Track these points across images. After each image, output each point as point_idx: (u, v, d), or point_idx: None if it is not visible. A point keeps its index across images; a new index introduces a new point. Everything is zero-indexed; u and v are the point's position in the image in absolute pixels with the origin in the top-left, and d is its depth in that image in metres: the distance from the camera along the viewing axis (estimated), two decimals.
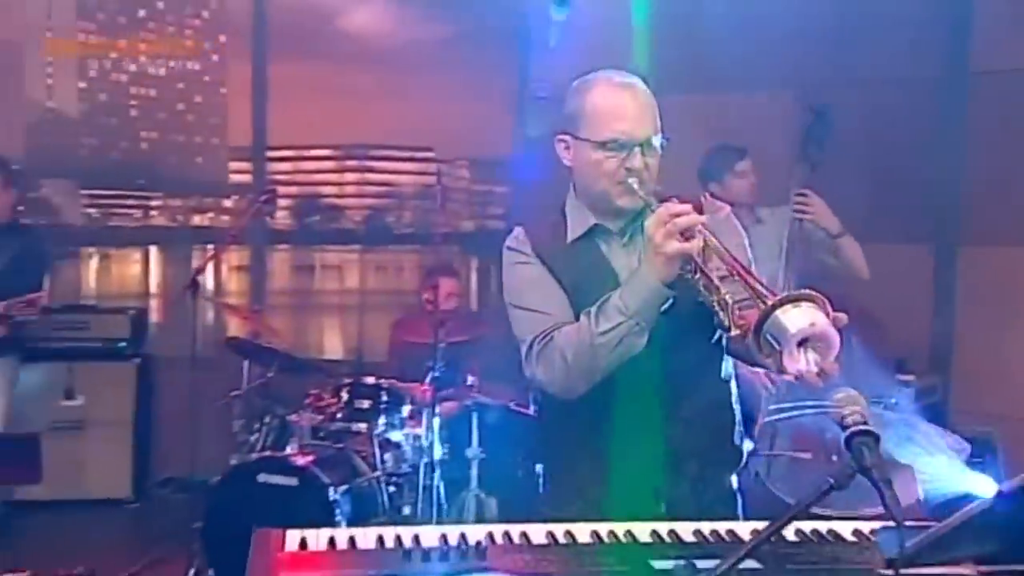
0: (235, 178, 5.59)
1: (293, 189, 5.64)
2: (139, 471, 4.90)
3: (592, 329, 1.65)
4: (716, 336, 1.76)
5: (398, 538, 1.41)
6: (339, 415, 3.82)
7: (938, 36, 4.46)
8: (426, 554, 1.37)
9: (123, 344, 4.87)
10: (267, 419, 4.04)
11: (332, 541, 1.38)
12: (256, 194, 4.86)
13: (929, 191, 4.46)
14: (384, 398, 3.80)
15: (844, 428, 1.28)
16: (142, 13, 5.21)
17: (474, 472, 3.81)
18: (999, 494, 1.25)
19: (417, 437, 3.81)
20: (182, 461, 4.58)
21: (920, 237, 4.57)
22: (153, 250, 5.67)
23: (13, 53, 5.02)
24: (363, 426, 3.80)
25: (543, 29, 5.33)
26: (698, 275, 1.58)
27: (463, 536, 1.43)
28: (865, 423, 1.27)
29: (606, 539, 1.46)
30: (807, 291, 1.47)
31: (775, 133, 4.19)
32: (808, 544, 1.45)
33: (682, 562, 1.33)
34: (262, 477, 3.65)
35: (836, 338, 1.42)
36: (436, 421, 3.69)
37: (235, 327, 4.88)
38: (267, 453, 3.79)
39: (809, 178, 3.61)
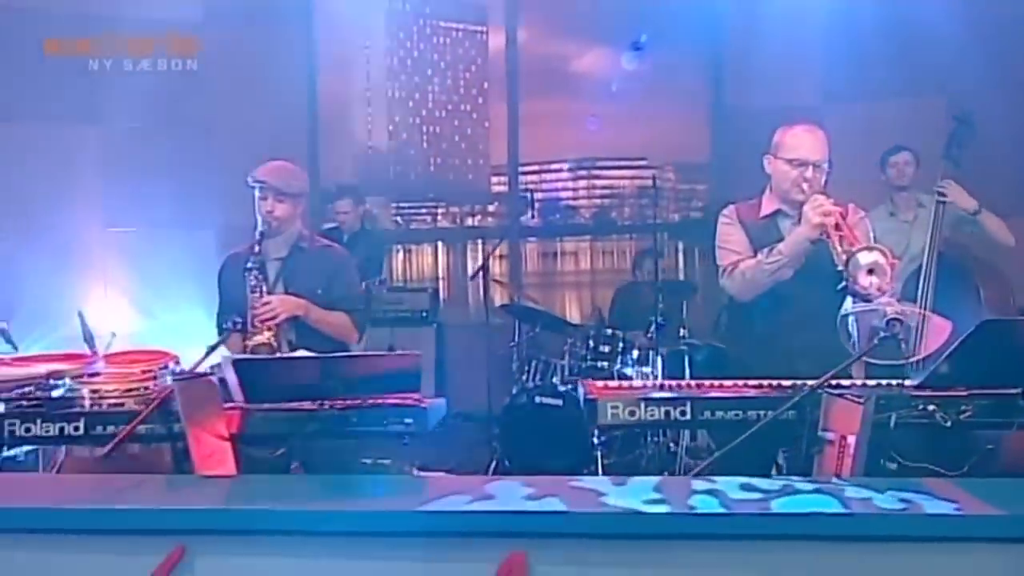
0: (496, 188, 6.92)
1: (539, 195, 6.82)
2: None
3: (763, 260, 2.84)
4: (840, 284, 2.86)
5: (642, 383, 2.64)
6: (588, 356, 5.09)
7: None
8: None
9: (425, 313, 6.20)
10: (533, 363, 5.38)
11: (620, 384, 2.65)
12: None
13: None
14: (620, 344, 5.04)
15: (885, 316, 2.40)
16: (429, 72, 6.67)
17: None
18: (978, 326, 2.26)
19: (644, 373, 5.02)
20: (468, 398, 5.97)
21: None
22: (440, 245, 7.04)
23: (346, 110, 6.63)
24: (605, 364, 5.02)
25: (732, 58, 6.32)
26: (828, 237, 2.69)
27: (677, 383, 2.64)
28: (897, 314, 2.39)
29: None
30: (877, 244, 2.59)
31: (930, 133, 4.96)
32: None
33: None
34: (538, 399, 5.00)
35: (888, 272, 2.52)
36: (658, 360, 4.88)
37: (501, 297, 6.22)
38: (540, 383, 5.14)
39: (954, 171, 4.46)
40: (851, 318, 2.55)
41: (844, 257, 2.61)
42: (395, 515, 1.93)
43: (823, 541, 1.80)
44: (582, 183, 6.67)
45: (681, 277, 6.46)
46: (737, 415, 2.40)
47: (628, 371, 5.00)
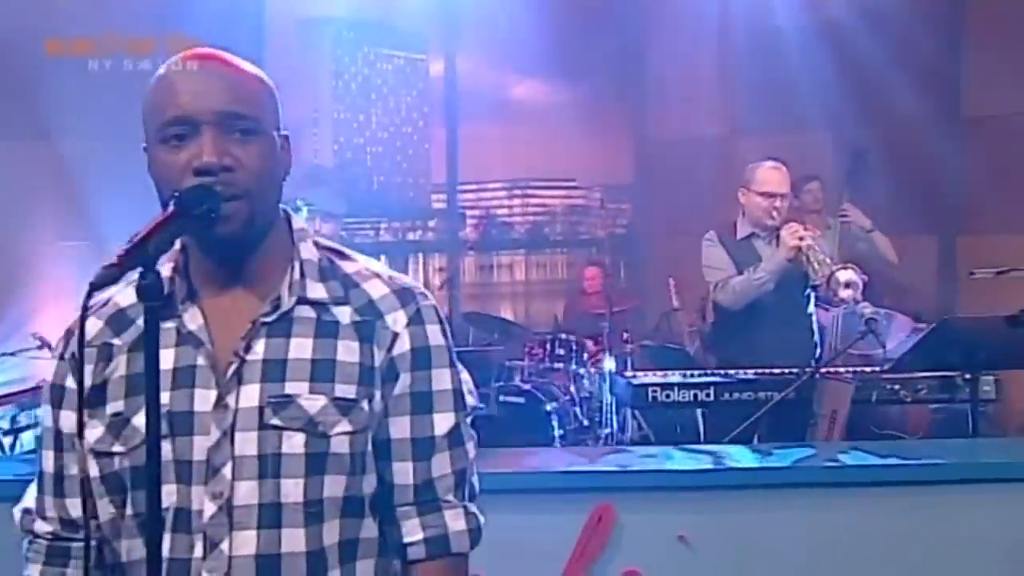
0: (436, 205, 7.26)
1: (476, 212, 7.19)
2: None
3: (750, 277, 3.36)
4: (806, 290, 3.44)
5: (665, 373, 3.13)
6: (545, 359, 5.54)
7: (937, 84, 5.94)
8: None
9: None
10: (491, 366, 5.78)
11: (654, 374, 3.12)
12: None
13: (938, 198, 5.96)
14: (574, 348, 5.52)
15: (863, 315, 2.99)
16: (373, 95, 6.97)
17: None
18: (939, 322, 2.88)
19: (593, 373, 5.51)
20: None
21: (931, 229, 6.09)
22: (383, 258, 7.33)
23: (294, 131, 6.72)
24: (560, 366, 5.50)
25: (652, 92, 6.95)
26: (804, 256, 3.25)
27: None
28: (874, 314, 2.97)
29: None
30: (851, 263, 3.18)
31: (838, 162, 5.65)
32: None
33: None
34: (502, 397, 5.40)
35: (860, 285, 3.10)
36: (607, 363, 5.38)
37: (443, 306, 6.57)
38: (502, 383, 5.55)
39: (853, 195, 5.16)
40: (836, 318, 3.14)
41: (821, 273, 3.18)
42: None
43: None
44: (517, 201, 7.15)
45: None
46: (750, 395, 2.92)
47: (581, 371, 5.48)
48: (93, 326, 1.24)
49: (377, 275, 1.28)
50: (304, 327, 1.21)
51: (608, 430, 5.47)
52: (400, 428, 1.24)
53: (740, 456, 2.40)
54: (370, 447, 1.22)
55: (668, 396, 2.85)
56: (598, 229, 7.06)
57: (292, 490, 1.16)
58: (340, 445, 1.18)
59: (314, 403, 1.17)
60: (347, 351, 1.21)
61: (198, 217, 1.13)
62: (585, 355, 5.50)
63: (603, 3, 6.71)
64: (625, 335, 5.63)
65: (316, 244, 1.29)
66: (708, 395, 2.89)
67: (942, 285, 6.02)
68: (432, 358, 1.25)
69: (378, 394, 1.22)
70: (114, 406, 1.18)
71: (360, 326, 1.22)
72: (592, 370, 5.48)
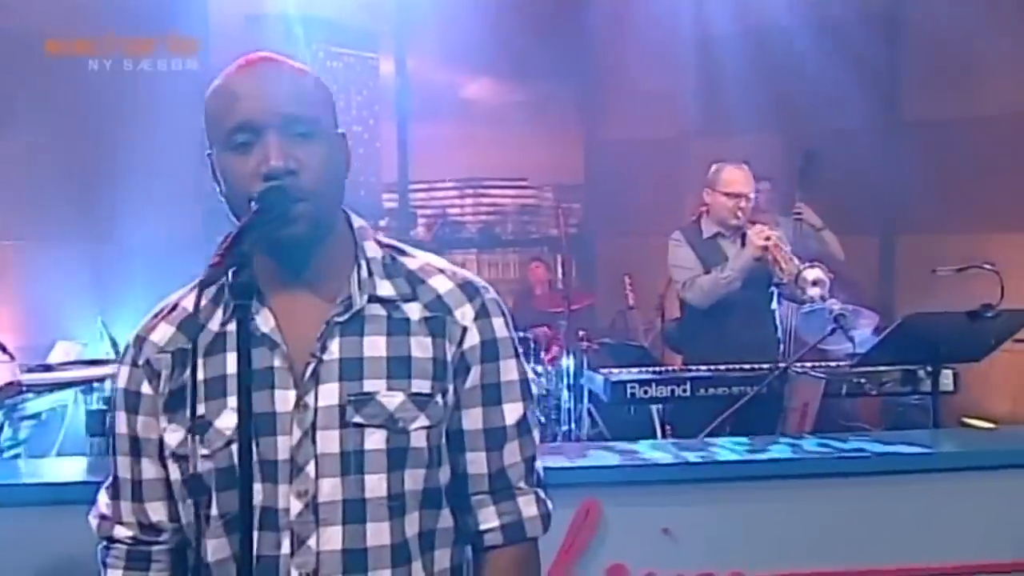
0: (387, 205, 7.26)
1: (428, 211, 7.21)
2: None
3: (718, 276, 3.48)
4: (769, 288, 3.57)
5: (643, 369, 3.22)
6: None
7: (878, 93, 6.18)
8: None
9: None
10: None
11: (632, 370, 3.19)
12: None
13: (879, 199, 6.20)
14: (532, 345, 5.59)
15: (831, 312, 3.11)
16: None
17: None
18: (904, 318, 3.02)
19: (551, 371, 5.60)
20: None
21: (871, 229, 6.33)
22: None
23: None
24: None
25: (603, 93, 7.06)
26: (770, 256, 3.37)
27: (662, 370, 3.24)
28: (843, 310, 3.10)
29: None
30: (817, 261, 3.32)
31: (784, 164, 5.83)
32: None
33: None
34: None
35: (827, 283, 3.24)
36: (565, 361, 5.47)
37: None
38: None
39: (804, 195, 5.35)
40: (790, 314, 3.27)
41: (788, 272, 3.31)
42: None
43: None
44: (468, 200, 7.19)
45: (559, 286, 7.10)
46: (724, 391, 3.02)
47: (539, 368, 5.56)
48: (165, 332, 1.24)
49: (441, 270, 1.32)
50: (376, 325, 1.24)
51: (565, 427, 5.57)
52: (472, 419, 1.28)
53: (724, 449, 2.49)
54: (444, 439, 1.26)
55: (646, 392, 2.94)
56: (550, 228, 7.14)
57: (376, 485, 1.19)
58: (419, 439, 1.22)
59: (392, 399, 1.21)
60: (420, 347, 1.24)
61: (277, 217, 1.15)
62: (542, 353, 5.58)
63: (555, 4, 6.80)
64: (581, 333, 5.72)
65: (378, 242, 1.31)
66: (684, 390, 2.99)
67: (881, 283, 6.28)
68: (499, 350, 1.29)
69: (451, 388, 1.25)
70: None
71: (430, 322, 1.26)
72: (549, 368, 5.56)
